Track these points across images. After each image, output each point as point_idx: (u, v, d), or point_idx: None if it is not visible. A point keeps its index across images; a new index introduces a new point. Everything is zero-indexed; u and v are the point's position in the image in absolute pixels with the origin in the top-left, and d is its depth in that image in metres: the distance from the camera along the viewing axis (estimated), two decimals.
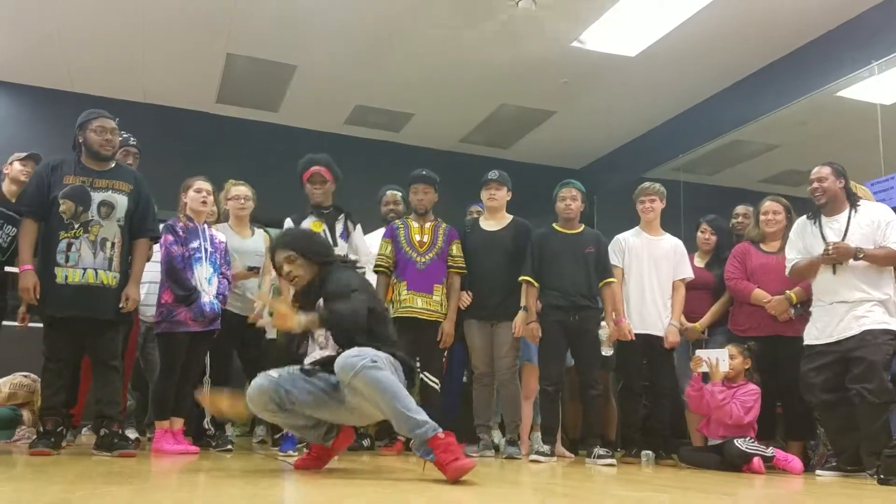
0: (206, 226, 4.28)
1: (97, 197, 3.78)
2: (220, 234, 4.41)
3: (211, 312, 4.10)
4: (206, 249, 4.18)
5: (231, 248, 4.46)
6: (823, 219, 4.14)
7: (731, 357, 4.32)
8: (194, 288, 4.04)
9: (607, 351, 4.57)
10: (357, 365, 2.72)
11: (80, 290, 3.69)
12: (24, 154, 4.28)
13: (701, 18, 5.69)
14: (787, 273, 4.28)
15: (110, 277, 3.76)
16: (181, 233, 4.12)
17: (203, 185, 4.26)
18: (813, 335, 4.07)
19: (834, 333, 3.97)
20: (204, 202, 4.24)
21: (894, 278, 4.00)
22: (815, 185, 4.13)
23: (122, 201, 3.83)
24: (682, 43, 6.06)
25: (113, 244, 3.79)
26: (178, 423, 4.14)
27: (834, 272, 4.01)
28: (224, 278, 4.28)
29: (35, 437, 3.82)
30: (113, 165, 3.93)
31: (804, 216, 4.28)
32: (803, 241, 4.21)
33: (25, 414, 4.52)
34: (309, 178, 4.63)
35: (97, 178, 3.82)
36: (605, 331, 4.53)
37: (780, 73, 6.30)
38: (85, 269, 3.70)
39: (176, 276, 4.02)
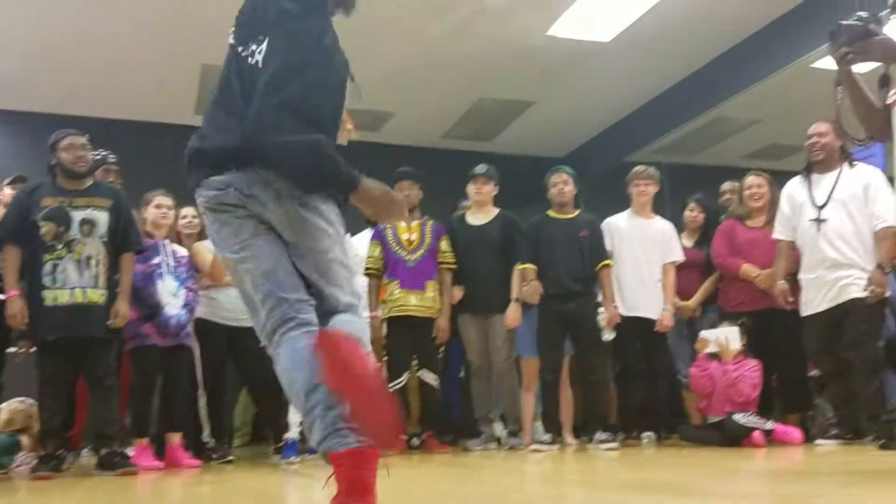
0: (166, 241, 4.29)
1: (77, 216, 3.76)
2: (182, 248, 4.40)
3: (176, 326, 4.10)
4: (168, 264, 4.19)
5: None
6: (814, 177, 4.15)
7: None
8: (157, 303, 4.05)
9: (609, 335, 4.56)
10: None
11: (69, 310, 3.67)
12: (10, 178, 4.28)
13: None
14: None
15: (98, 295, 3.74)
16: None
17: (163, 200, 4.28)
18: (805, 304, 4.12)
19: (822, 304, 4.00)
20: (164, 216, 4.26)
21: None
22: (815, 139, 4.12)
23: (102, 218, 3.81)
24: (655, 25, 6.05)
25: (98, 261, 3.77)
26: (177, 437, 4.13)
27: (818, 230, 4.01)
28: (191, 291, 4.27)
29: (36, 461, 3.79)
30: (90, 183, 3.91)
31: (795, 177, 4.28)
32: (790, 205, 4.21)
33: (24, 439, 4.47)
34: None
35: (75, 197, 3.80)
36: (603, 316, 4.52)
37: (756, 48, 6.31)
38: (73, 289, 3.68)
39: (136, 293, 4.02)
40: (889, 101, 2.53)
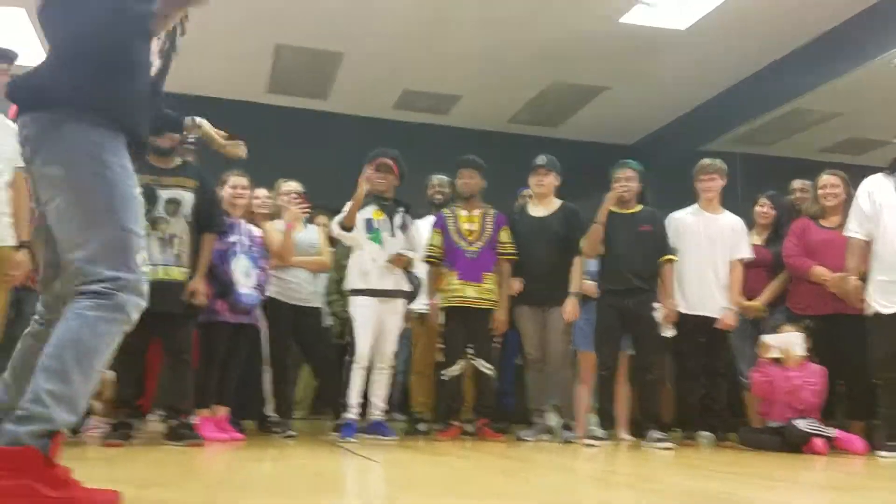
0: (242, 221, 4.39)
1: (164, 195, 3.87)
2: (257, 228, 4.51)
3: (247, 304, 4.21)
4: (243, 243, 4.30)
5: None
6: None
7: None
8: (230, 281, 4.16)
9: (669, 332, 4.51)
10: None
11: (152, 286, 3.78)
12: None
13: None
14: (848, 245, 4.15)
15: (180, 273, 3.87)
16: None
17: (238, 180, 4.36)
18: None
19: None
20: (239, 196, 4.35)
21: None
22: None
23: (188, 198, 3.93)
24: (734, 14, 5.89)
25: (181, 240, 3.89)
26: (222, 411, 4.27)
27: None
28: (262, 271, 4.38)
29: (108, 428, 3.98)
30: (178, 163, 4.01)
31: (877, 174, 4.14)
32: (870, 203, 4.07)
33: (96, 404, 4.69)
34: (378, 166, 4.63)
35: (163, 176, 3.90)
36: (661, 312, 4.47)
37: (839, 41, 6.08)
38: (155, 266, 3.78)
39: (211, 270, 4.13)
40: None
